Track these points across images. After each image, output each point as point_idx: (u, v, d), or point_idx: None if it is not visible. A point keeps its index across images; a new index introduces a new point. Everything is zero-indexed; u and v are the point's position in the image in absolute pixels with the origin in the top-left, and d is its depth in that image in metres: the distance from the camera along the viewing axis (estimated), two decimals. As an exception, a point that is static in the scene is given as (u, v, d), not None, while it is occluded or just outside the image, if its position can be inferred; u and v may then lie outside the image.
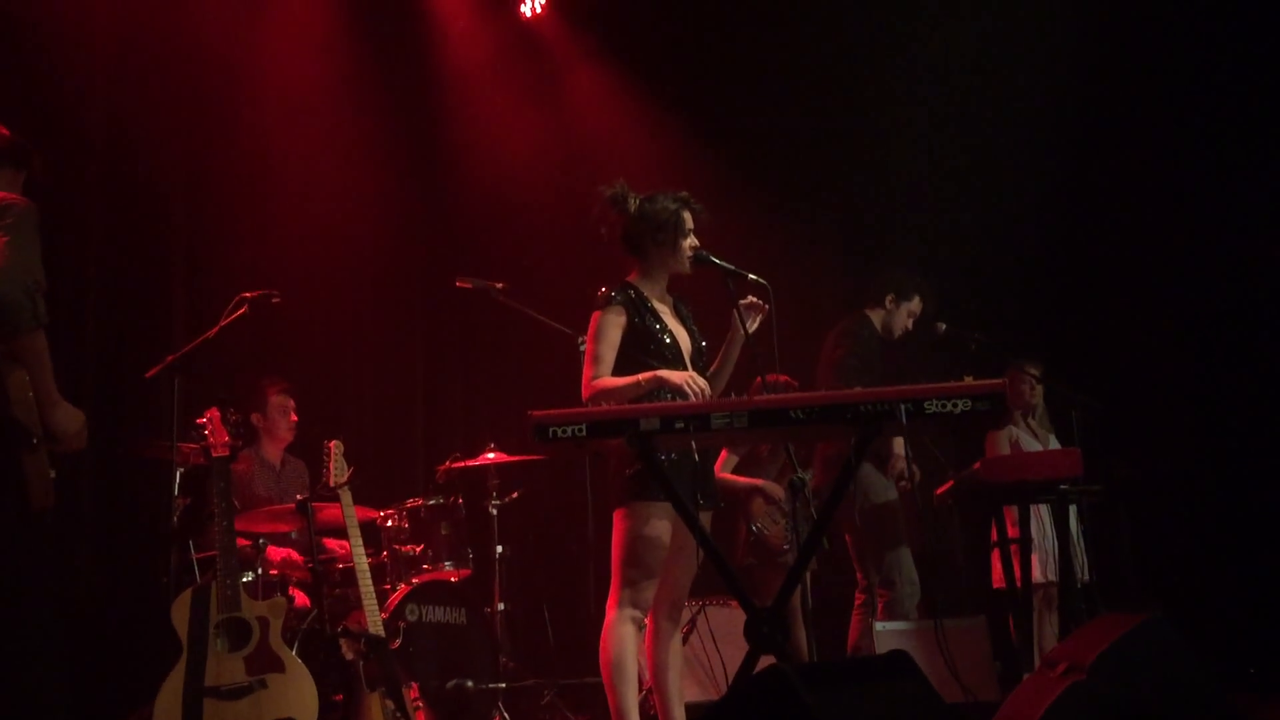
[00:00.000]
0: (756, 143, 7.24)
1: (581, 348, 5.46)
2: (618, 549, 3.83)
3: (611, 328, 3.86)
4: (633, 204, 3.95)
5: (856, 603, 5.52)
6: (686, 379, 3.73)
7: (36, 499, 3.16)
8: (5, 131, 3.49)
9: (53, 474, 3.23)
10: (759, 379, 4.12)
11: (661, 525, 3.76)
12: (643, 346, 3.87)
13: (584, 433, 3.16)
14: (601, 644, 3.81)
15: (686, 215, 3.94)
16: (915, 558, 5.57)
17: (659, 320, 3.93)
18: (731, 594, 2.97)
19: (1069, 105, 6.77)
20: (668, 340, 3.91)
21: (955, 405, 3.07)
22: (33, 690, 3.12)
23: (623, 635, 3.76)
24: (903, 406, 3.05)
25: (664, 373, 3.78)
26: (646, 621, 3.88)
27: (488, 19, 7.28)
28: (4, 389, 3.12)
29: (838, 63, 7.18)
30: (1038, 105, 6.72)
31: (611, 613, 3.80)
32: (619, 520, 3.84)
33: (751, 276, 3.86)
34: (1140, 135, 6.69)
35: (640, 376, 3.77)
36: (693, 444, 3.58)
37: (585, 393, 3.84)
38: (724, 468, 5.77)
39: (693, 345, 4.01)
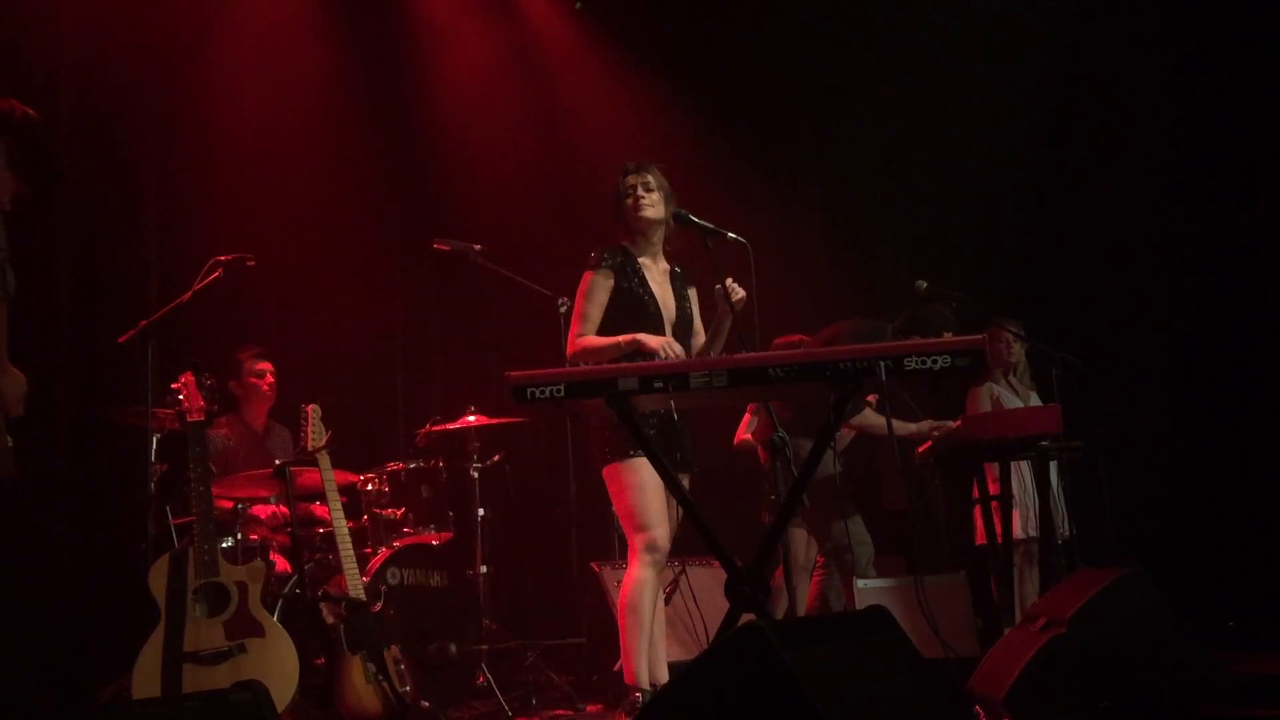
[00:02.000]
0: (738, 103, 7.19)
1: (562, 309, 5.49)
2: (618, 505, 3.96)
3: (599, 289, 4.03)
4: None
5: (817, 564, 5.54)
6: (663, 343, 3.87)
7: None
8: None
9: (10, 441, 3.19)
10: (775, 340, 4.24)
11: (651, 473, 3.84)
12: (626, 310, 4.03)
13: (562, 393, 3.14)
14: (621, 589, 3.93)
15: (625, 179, 4.15)
16: (898, 515, 5.58)
17: (645, 285, 4.08)
18: (711, 552, 2.96)
19: (1052, 65, 6.75)
20: (651, 307, 4.06)
21: (935, 362, 3.04)
22: None
23: (640, 579, 3.87)
24: (882, 363, 3.03)
25: (642, 336, 3.91)
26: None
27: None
28: None
29: (823, 25, 7.12)
30: (1021, 65, 6.70)
31: (632, 561, 3.91)
32: (610, 478, 3.95)
33: (731, 235, 3.90)
34: (1121, 92, 6.68)
35: (620, 338, 3.93)
36: (671, 404, 3.56)
37: (569, 350, 4.01)
38: (748, 430, 5.77)
39: (679, 313, 4.15)
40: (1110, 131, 6.70)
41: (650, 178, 4.14)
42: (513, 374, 3.16)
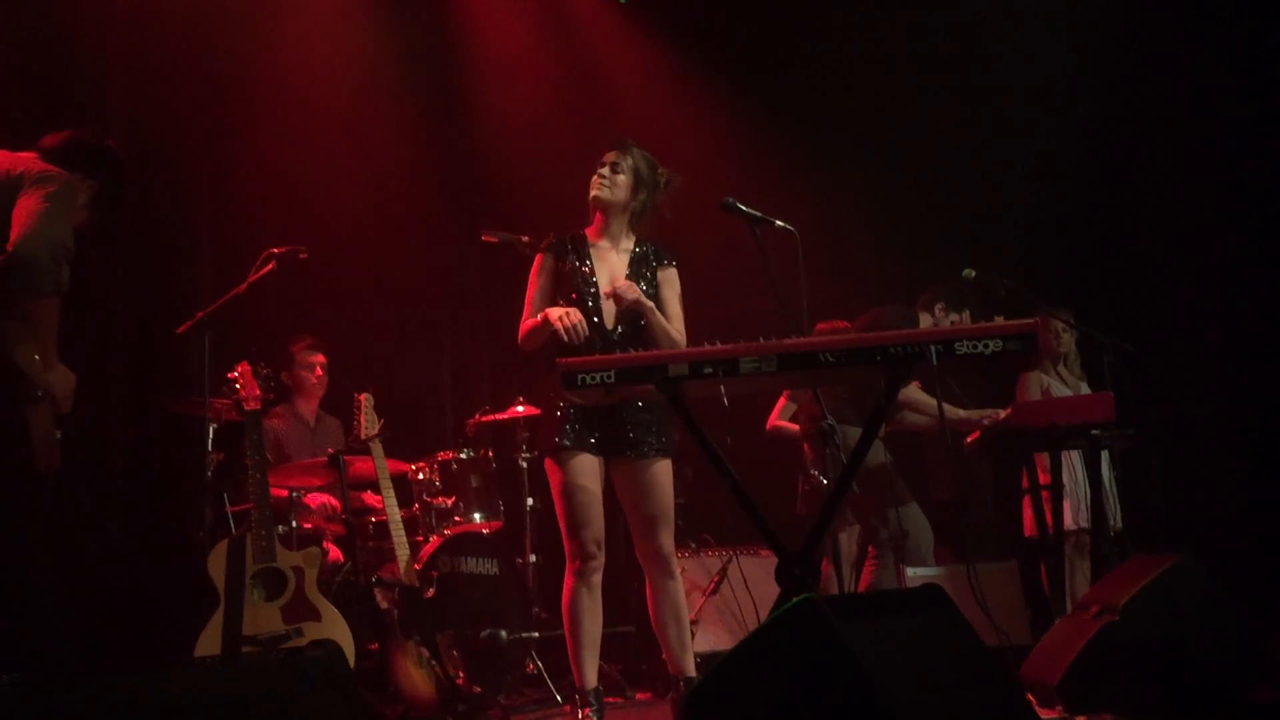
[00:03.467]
0: (783, 92, 7.17)
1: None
2: (555, 502, 3.92)
3: (542, 272, 4.09)
4: None
5: (869, 555, 5.52)
6: (559, 314, 3.85)
7: (42, 459, 3.21)
8: (77, 136, 3.51)
9: (58, 434, 3.28)
10: (818, 326, 4.20)
11: (583, 470, 3.83)
12: (562, 291, 4.03)
13: (612, 379, 3.17)
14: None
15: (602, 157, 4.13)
16: (947, 505, 5.55)
17: (586, 264, 4.04)
18: (761, 535, 2.97)
19: (1104, 46, 6.68)
20: (582, 286, 4.01)
21: (986, 346, 3.03)
22: (29, 649, 3.14)
23: (569, 587, 3.88)
24: (933, 347, 3.02)
25: (548, 309, 3.93)
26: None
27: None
28: (12, 346, 3.18)
29: (871, 14, 7.09)
30: (1072, 48, 6.63)
31: (566, 566, 3.91)
32: (548, 472, 3.93)
33: (779, 223, 3.88)
34: (1175, 71, 6.58)
35: (538, 316, 3.96)
36: (721, 389, 3.55)
37: (520, 331, 4.04)
38: (782, 415, 5.76)
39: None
40: (1164, 113, 6.62)
41: (622, 160, 4.08)
42: (564, 360, 3.20)
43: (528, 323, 4.01)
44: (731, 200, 3.96)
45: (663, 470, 3.93)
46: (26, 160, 3.35)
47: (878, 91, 7.10)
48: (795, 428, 5.69)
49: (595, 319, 3.95)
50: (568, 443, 3.84)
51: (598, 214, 4.12)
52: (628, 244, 4.12)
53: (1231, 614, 3.78)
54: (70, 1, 5.15)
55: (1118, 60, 6.70)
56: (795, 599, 1.76)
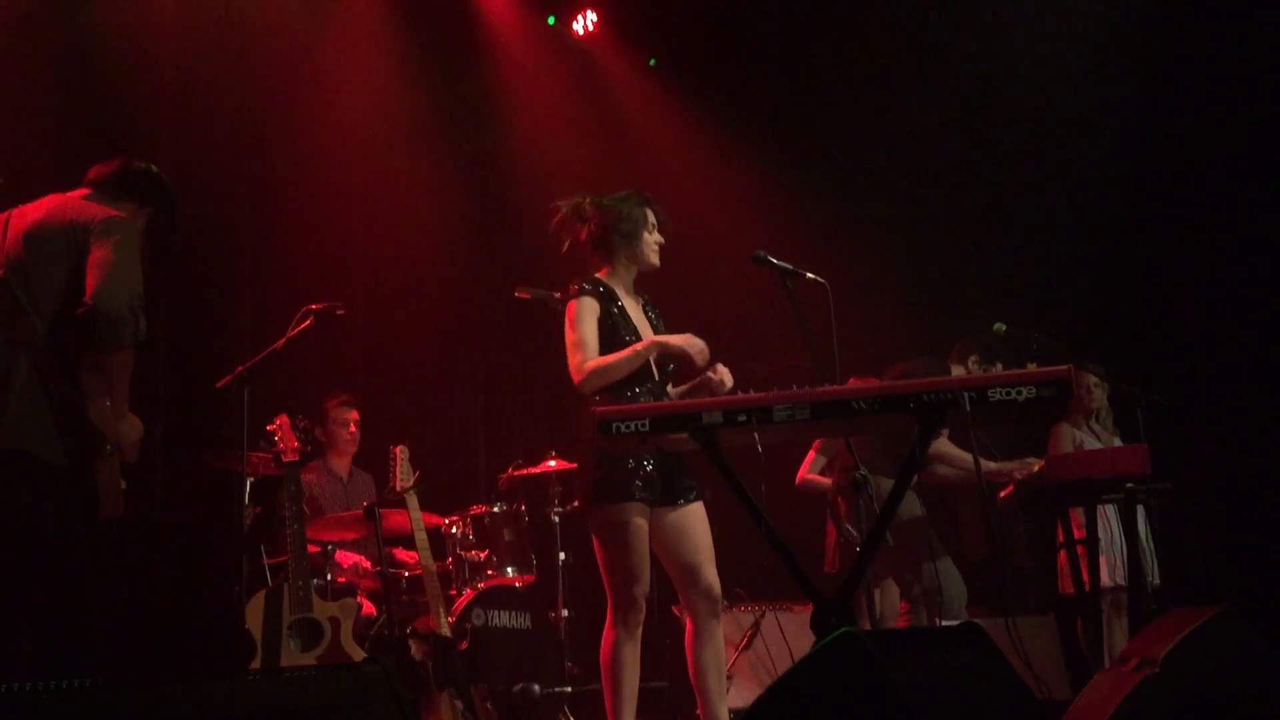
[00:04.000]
0: (813, 149, 7.27)
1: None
2: (598, 555, 3.83)
3: (589, 313, 3.89)
4: (589, 207, 4.03)
5: (902, 610, 5.47)
6: (687, 339, 3.80)
7: (106, 507, 3.24)
8: (126, 164, 3.57)
9: (124, 484, 3.32)
10: (850, 380, 4.16)
11: (635, 525, 3.75)
12: (608, 341, 3.89)
13: (647, 427, 3.19)
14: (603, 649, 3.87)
15: (649, 211, 4.01)
16: (982, 563, 5.51)
17: (626, 317, 3.97)
18: (797, 583, 2.97)
19: (1136, 99, 6.73)
20: (633, 326, 3.95)
21: (1020, 393, 3.04)
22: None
23: (611, 639, 3.81)
24: (966, 394, 3.03)
25: (663, 337, 3.84)
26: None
27: (543, 37, 7.40)
28: (87, 399, 3.22)
29: (899, 69, 7.20)
30: (1104, 101, 6.69)
31: (609, 617, 3.84)
32: (591, 527, 3.84)
33: (810, 275, 3.91)
34: (1212, 123, 6.62)
35: (636, 346, 3.82)
36: (756, 437, 3.56)
37: (577, 378, 3.84)
38: (811, 469, 5.74)
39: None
40: (1199, 166, 6.65)
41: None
42: (598, 409, 3.23)
43: (600, 360, 3.82)
44: (762, 253, 3.98)
45: (703, 511, 3.93)
46: (81, 205, 3.37)
47: (908, 147, 7.18)
48: (826, 481, 5.67)
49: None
50: (621, 493, 3.76)
51: (627, 269, 4.05)
52: (638, 295, 4.12)
53: (1276, 667, 3.71)
54: (119, 57, 5.30)
55: (1152, 113, 6.74)
56: (835, 632, 1.77)
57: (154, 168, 3.61)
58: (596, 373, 3.80)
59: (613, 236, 3.98)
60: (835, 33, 7.22)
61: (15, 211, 3.41)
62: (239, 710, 1.33)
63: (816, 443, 5.67)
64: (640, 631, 3.86)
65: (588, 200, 4.04)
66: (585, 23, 7.63)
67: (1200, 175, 6.65)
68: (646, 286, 4.14)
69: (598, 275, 4.03)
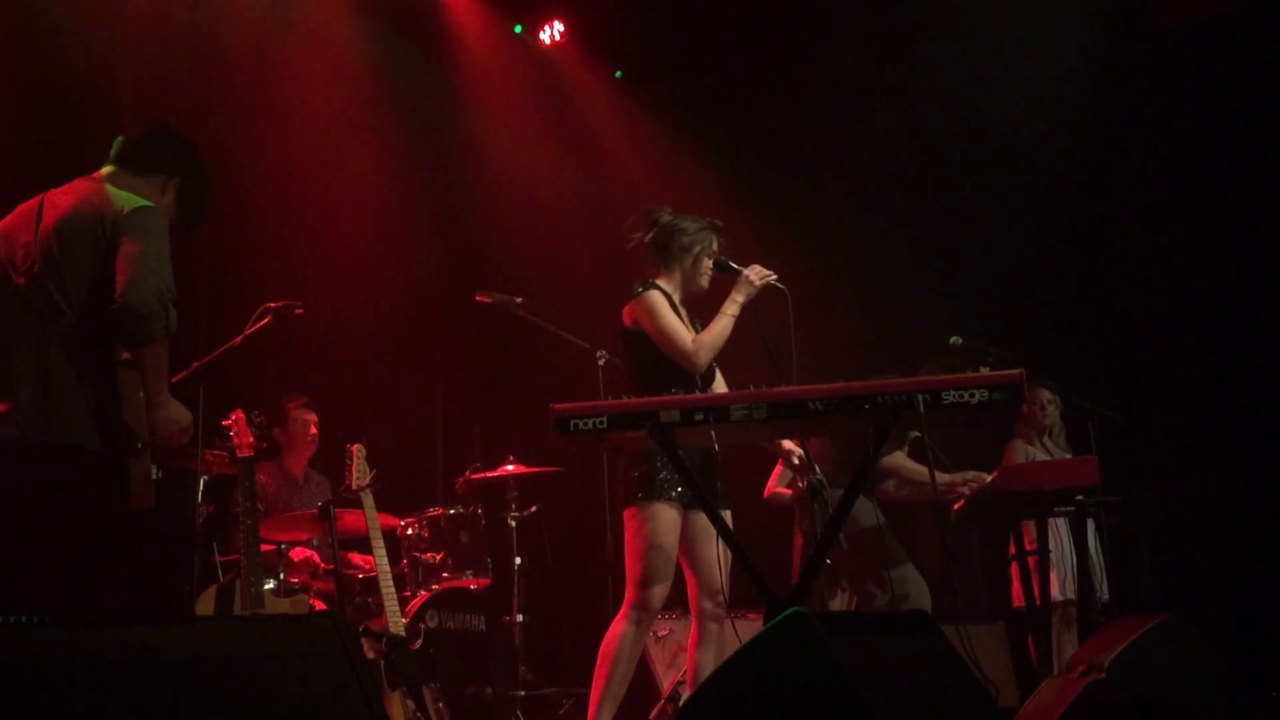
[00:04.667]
0: (773, 162, 7.32)
1: (601, 362, 5.56)
2: (627, 550, 3.94)
3: (663, 302, 4.02)
4: (666, 217, 4.16)
5: None
6: (753, 269, 4.01)
7: (137, 499, 3.28)
8: (157, 129, 3.56)
9: (158, 474, 3.33)
10: None
11: (667, 525, 3.85)
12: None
13: (604, 424, 3.20)
14: (605, 638, 3.92)
15: (714, 238, 4.14)
16: (937, 578, 5.54)
17: (682, 319, 4.10)
18: (751, 581, 2.99)
19: (1088, 111, 6.84)
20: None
21: (973, 396, 3.08)
22: None
23: (619, 631, 3.87)
24: (921, 396, 3.07)
25: (743, 278, 4.02)
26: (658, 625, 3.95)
27: (508, 44, 7.43)
28: (120, 396, 3.23)
29: (863, 83, 7.27)
30: (1055, 112, 6.79)
31: (622, 611, 3.90)
32: (627, 521, 3.94)
33: (776, 283, 3.95)
34: (1164, 151, 6.74)
35: (727, 307, 3.99)
36: (713, 439, 3.59)
37: (692, 358, 3.96)
38: (779, 482, 5.76)
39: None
40: (1151, 184, 6.76)
41: None
42: (557, 406, 3.23)
43: (705, 335, 3.98)
44: (724, 259, 4.07)
45: (728, 519, 3.99)
46: (109, 196, 3.33)
47: (869, 161, 7.26)
48: (791, 493, 5.69)
49: None
50: (658, 492, 3.86)
51: (684, 291, 4.17)
52: (683, 310, 4.22)
53: (1219, 674, 3.77)
54: (80, 52, 5.26)
55: (1108, 135, 6.86)
56: (786, 612, 1.79)
57: (170, 129, 3.60)
58: (707, 345, 3.96)
59: (674, 247, 4.12)
60: (801, 47, 7.29)
61: (47, 198, 3.38)
62: (187, 652, 1.33)
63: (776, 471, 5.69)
64: (648, 632, 3.92)
65: (664, 210, 4.19)
66: (552, 32, 7.66)
67: (1156, 195, 6.76)
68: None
69: (658, 281, 4.14)
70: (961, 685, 2.10)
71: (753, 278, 3.97)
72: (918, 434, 5.53)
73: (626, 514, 3.94)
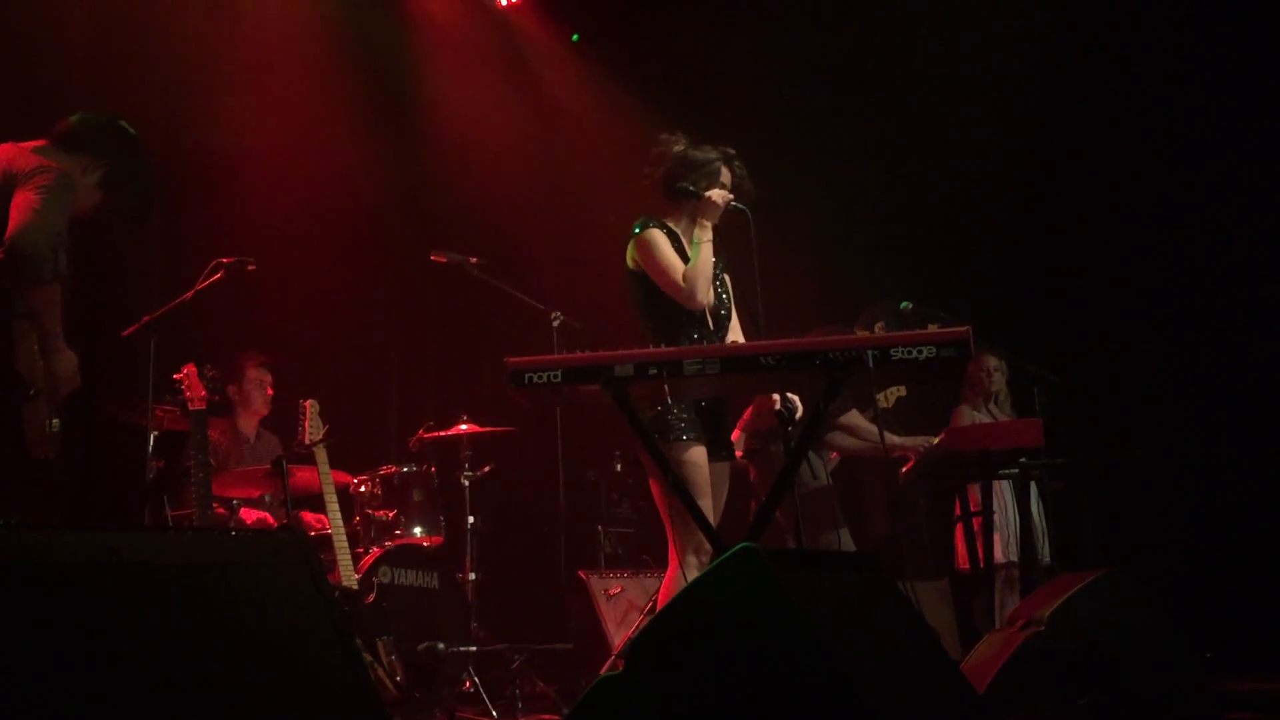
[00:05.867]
0: (727, 126, 7.32)
1: (555, 323, 5.58)
2: (660, 497, 3.70)
3: (661, 239, 3.86)
4: (677, 148, 3.99)
5: None
6: (719, 192, 3.87)
7: (35, 447, 3.31)
8: (83, 118, 3.59)
9: (56, 424, 3.33)
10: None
11: (695, 460, 3.67)
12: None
13: (559, 378, 3.23)
14: (661, 587, 3.81)
15: (724, 169, 3.98)
16: (884, 537, 5.65)
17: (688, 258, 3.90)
18: (700, 528, 3.03)
19: (1039, 87, 6.91)
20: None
21: (921, 353, 3.14)
22: None
23: (678, 581, 3.61)
24: (870, 353, 3.13)
25: (707, 203, 3.86)
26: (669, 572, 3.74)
27: (465, 4, 7.38)
28: (11, 342, 3.27)
29: (817, 51, 7.30)
30: (1003, 84, 6.86)
31: (673, 561, 3.67)
32: (651, 466, 3.65)
33: (733, 204, 3.89)
34: (1110, 121, 6.84)
35: (701, 232, 3.85)
36: (666, 390, 3.57)
37: (685, 295, 3.79)
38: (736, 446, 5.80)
39: (715, 303, 3.95)
40: (1099, 163, 6.86)
41: None
42: (511, 359, 3.25)
43: (692, 270, 3.80)
44: (683, 185, 3.91)
45: (728, 473, 3.90)
46: (24, 155, 3.43)
47: (821, 129, 7.30)
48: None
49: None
50: (691, 435, 3.67)
51: (696, 221, 3.93)
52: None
53: (1156, 627, 3.89)
54: (28, 6, 5.17)
55: (1055, 103, 6.94)
56: (735, 547, 1.84)
57: (118, 122, 3.61)
58: (697, 275, 3.79)
59: (681, 185, 3.93)
60: (755, 14, 7.31)
61: None
62: (152, 558, 1.36)
63: (740, 423, 5.72)
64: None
65: (673, 144, 4.00)
66: (510, -7, 7.62)
67: (1102, 163, 6.85)
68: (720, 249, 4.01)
69: (665, 219, 3.96)
70: (907, 620, 2.16)
71: (715, 198, 3.83)
72: (888, 404, 5.62)
73: (647, 459, 3.62)
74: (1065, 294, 6.95)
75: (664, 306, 3.85)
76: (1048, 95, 6.93)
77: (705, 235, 3.86)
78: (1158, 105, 6.67)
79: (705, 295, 3.83)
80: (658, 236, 3.87)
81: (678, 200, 3.95)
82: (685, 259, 3.89)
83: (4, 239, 3.25)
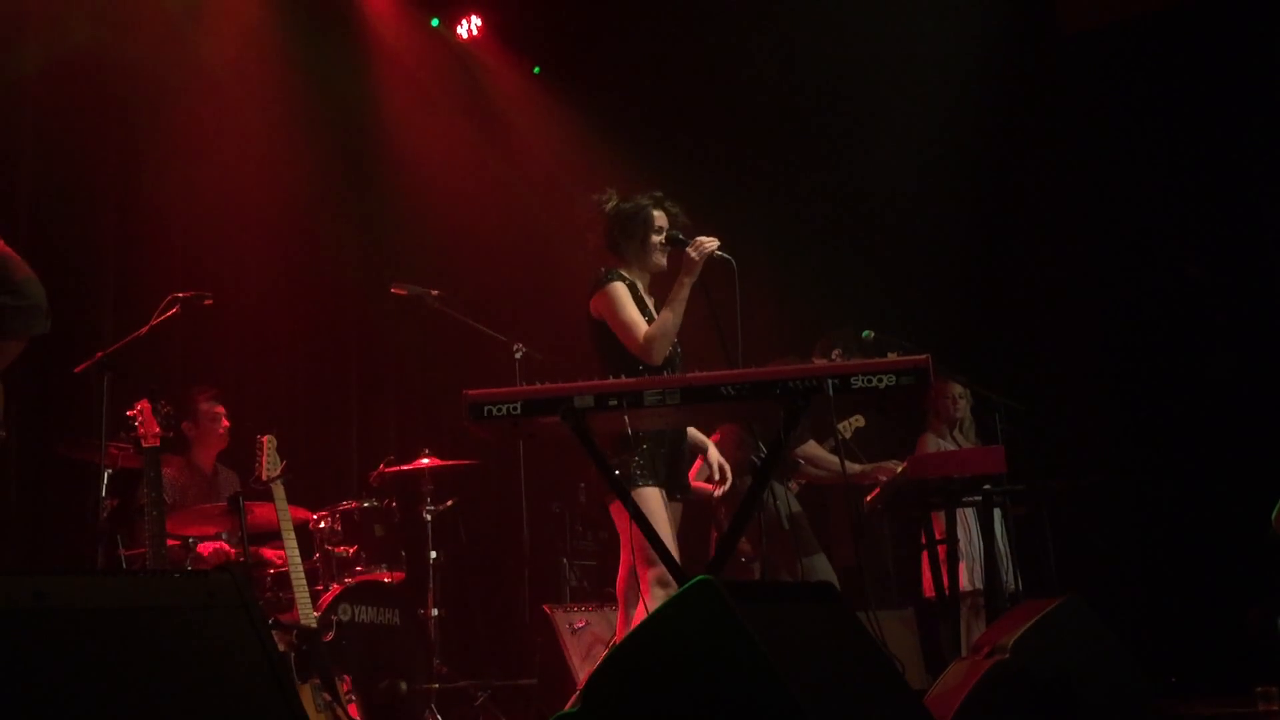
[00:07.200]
0: (686, 159, 7.38)
1: (518, 355, 5.56)
2: (628, 537, 3.76)
3: (624, 293, 3.92)
4: (608, 205, 4.06)
5: None
6: (699, 241, 3.87)
7: None
8: None
9: None
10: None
11: (658, 503, 3.76)
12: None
13: (519, 410, 3.20)
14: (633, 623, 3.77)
15: (657, 213, 4.02)
16: (845, 564, 5.63)
17: (647, 306, 4.01)
18: (661, 560, 3.01)
19: (993, 111, 7.00)
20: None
21: (881, 380, 3.14)
22: None
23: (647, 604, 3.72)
24: (830, 381, 3.12)
25: (688, 252, 3.88)
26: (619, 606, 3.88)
27: (425, 37, 7.39)
28: None
29: (774, 80, 7.35)
30: (962, 112, 6.93)
31: (645, 595, 3.74)
32: (616, 511, 3.79)
33: (719, 253, 3.91)
34: (1064, 148, 6.93)
35: (676, 289, 3.86)
36: (626, 421, 3.57)
37: (643, 351, 3.84)
38: (698, 477, 5.79)
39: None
40: (1053, 179, 6.95)
41: None
42: (470, 392, 3.22)
43: (655, 327, 3.86)
44: (674, 233, 3.99)
45: (680, 511, 3.98)
46: None
47: (781, 157, 7.35)
48: (709, 487, 5.71)
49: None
50: (648, 478, 3.78)
51: (644, 270, 4.07)
52: (651, 299, 4.13)
53: (1117, 652, 3.89)
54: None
55: (1010, 135, 7.03)
56: (693, 579, 1.82)
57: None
58: (657, 337, 3.83)
59: (620, 239, 4.01)
60: (714, 43, 7.36)
61: None
62: (81, 602, 1.31)
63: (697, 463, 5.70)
64: None
65: (602, 203, 4.07)
66: (470, 27, 7.63)
67: (1058, 191, 6.94)
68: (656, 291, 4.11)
69: (619, 269, 4.02)
70: (867, 652, 2.14)
71: (693, 254, 3.85)
72: (845, 436, 5.63)
73: (615, 505, 3.78)
74: (1022, 320, 7.01)
75: (627, 356, 3.89)
76: (1003, 124, 7.01)
77: (681, 293, 3.88)
78: (1112, 132, 6.77)
79: (662, 356, 3.87)
80: (620, 291, 3.92)
81: (622, 254, 4.02)
82: (642, 307, 3.96)
83: (14, 280, 3.12)
